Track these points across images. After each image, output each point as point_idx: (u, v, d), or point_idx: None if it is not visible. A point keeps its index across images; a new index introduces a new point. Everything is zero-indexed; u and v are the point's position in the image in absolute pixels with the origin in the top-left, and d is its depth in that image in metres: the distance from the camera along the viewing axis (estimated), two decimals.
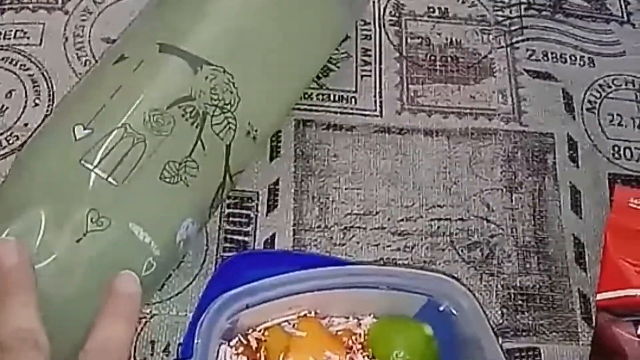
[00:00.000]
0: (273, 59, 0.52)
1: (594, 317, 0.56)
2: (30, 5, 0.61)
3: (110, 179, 0.44)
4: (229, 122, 0.49)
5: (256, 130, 0.51)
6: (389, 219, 0.58)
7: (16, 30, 0.60)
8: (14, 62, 0.59)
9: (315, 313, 0.51)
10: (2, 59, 0.59)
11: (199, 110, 0.48)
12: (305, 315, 0.51)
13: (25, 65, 0.59)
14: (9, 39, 0.60)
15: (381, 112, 0.62)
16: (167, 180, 0.46)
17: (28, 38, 0.60)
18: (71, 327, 0.42)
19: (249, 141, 0.51)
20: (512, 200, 0.60)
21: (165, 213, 0.47)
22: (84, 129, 0.45)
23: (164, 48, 0.49)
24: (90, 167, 0.44)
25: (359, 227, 0.58)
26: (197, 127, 0.47)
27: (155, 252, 0.46)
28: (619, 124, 0.64)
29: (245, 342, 0.49)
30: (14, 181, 0.47)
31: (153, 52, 0.49)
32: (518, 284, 0.58)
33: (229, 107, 0.49)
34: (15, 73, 0.59)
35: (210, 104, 0.48)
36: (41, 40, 0.60)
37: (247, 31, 0.51)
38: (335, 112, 0.61)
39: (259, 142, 0.53)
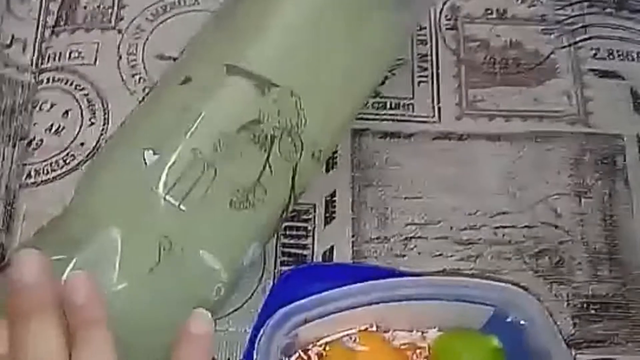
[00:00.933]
0: (337, 76, 0.51)
1: None
2: (84, 26, 0.62)
3: (181, 206, 0.44)
4: (295, 145, 0.48)
5: (320, 150, 0.50)
6: (451, 228, 0.56)
7: (70, 51, 0.61)
8: (69, 83, 0.59)
9: (377, 327, 0.49)
10: (58, 79, 0.59)
11: (267, 134, 0.46)
12: (366, 329, 0.49)
13: (80, 85, 0.59)
14: (65, 59, 0.60)
15: (440, 118, 0.60)
16: (236, 206, 0.45)
17: (82, 58, 0.60)
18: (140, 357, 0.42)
19: (313, 161, 0.50)
20: (580, 205, 0.57)
21: (234, 238, 0.46)
22: (154, 153, 0.45)
23: (230, 69, 0.47)
24: (162, 194, 0.44)
25: (420, 237, 0.56)
26: (265, 151, 0.46)
27: (224, 278, 0.45)
28: None
29: (305, 357, 0.48)
30: (81, 207, 0.46)
31: (220, 74, 0.47)
32: (590, 293, 0.55)
33: (296, 129, 0.48)
34: (70, 93, 0.59)
35: (277, 126, 0.47)
36: (95, 60, 0.60)
37: (311, 48, 0.49)
38: (392, 120, 0.60)
39: (322, 160, 0.52)
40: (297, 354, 0.48)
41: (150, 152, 0.45)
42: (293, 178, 0.48)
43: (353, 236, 0.56)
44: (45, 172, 0.56)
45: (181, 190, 0.44)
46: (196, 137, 0.45)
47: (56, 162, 0.56)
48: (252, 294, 0.53)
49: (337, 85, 0.51)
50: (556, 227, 0.57)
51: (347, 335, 0.49)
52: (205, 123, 0.45)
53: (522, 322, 0.47)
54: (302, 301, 0.46)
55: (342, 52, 0.51)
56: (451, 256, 0.55)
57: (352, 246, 0.55)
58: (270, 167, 0.46)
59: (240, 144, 0.45)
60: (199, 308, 0.40)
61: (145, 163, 0.44)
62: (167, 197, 0.43)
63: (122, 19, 0.62)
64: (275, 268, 0.54)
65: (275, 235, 0.55)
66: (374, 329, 0.49)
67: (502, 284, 0.49)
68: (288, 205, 0.49)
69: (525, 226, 0.57)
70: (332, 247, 0.55)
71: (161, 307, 0.42)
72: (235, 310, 0.53)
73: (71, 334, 0.36)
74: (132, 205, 0.44)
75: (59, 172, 0.56)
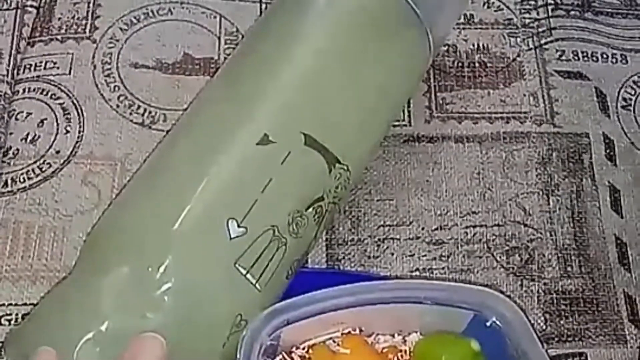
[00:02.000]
0: (375, 135, 0.53)
1: None
2: (59, 37, 0.62)
3: (257, 285, 0.43)
4: (335, 211, 0.49)
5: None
6: (423, 229, 0.57)
7: (46, 61, 0.61)
8: (44, 92, 0.60)
9: (360, 330, 0.50)
10: (34, 89, 0.60)
11: (325, 210, 0.47)
12: (349, 332, 0.50)
13: (55, 95, 0.60)
14: (40, 69, 0.61)
15: (410, 121, 0.61)
16: (288, 279, 0.47)
17: (58, 68, 0.61)
18: None
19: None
20: (549, 203, 0.59)
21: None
22: (238, 226, 0.43)
23: (309, 141, 0.46)
24: (244, 272, 0.43)
25: (392, 239, 0.57)
26: (317, 224, 0.47)
27: None
28: None
29: (289, 359, 0.49)
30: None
31: (299, 144, 0.46)
32: (560, 289, 0.56)
33: (343, 199, 0.49)
34: (46, 103, 0.60)
35: (333, 202, 0.48)
36: (70, 69, 0.61)
37: (364, 119, 0.51)
38: None
39: None
40: (280, 356, 0.49)
41: (235, 224, 0.42)
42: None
43: (327, 239, 0.57)
44: (21, 180, 0.56)
45: (259, 268, 0.43)
46: (276, 213, 0.44)
47: (32, 170, 0.57)
48: None
49: (373, 139, 0.53)
50: (525, 225, 0.58)
51: (330, 338, 0.49)
52: (283, 197, 0.45)
53: (500, 325, 0.48)
54: (285, 302, 0.46)
55: (380, 108, 0.53)
56: (424, 256, 0.57)
57: (326, 249, 0.56)
58: (317, 237, 0.47)
59: (306, 221, 0.45)
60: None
61: (230, 237, 0.42)
62: (248, 276, 0.43)
63: (96, 28, 0.63)
64: None
65: None
66: (357, 332, 0.50)
67: (482, 288, 0.49)
68: None
69: (495, 225, 0.58)
70: None
71: None
72: None
73: None
74: (216, 278, 0.43)
75: (35, 180, 0.56)
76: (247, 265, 0.42)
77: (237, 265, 0.42)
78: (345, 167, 0.48)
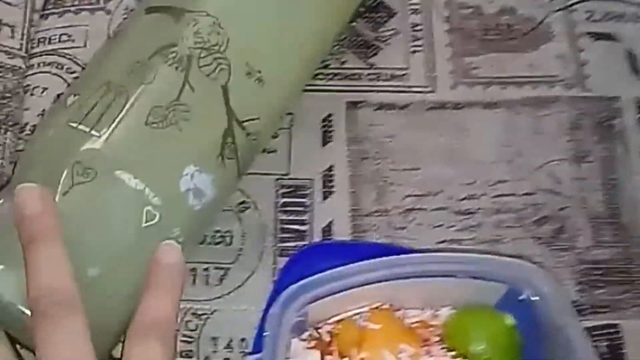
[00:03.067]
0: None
1: None
2: (73, 8, 0.61)
3: (93, 132, 0.44)
4: (219, 63, 0.47)
5: (259, 72, 0.49)
6: (450, 198, 0.56)
7: (60, 34, 0.60)
8: (60, 66, 0.59)
9: (389, 305, 0.49)
10: (49, 63, 0.59)
11: (183, 55, 0.47)
12: (378, 307, 0.49)
13: (70, 68, 0.59)
14: (54, 42, 0.60)
15: (435, 87, 0.59)
16: (154, 125, 0.45)
17: (73, 41, 0.60)
18: None
19: (253, 83, 0.49)
20: (580, 170, 0.57)
21: (158, 159, 0.46)
22: (74, 95, 0.47)
23: (148, 10, 0.50)
24: (75, 125, 0.45)
25: (419, 209, 0.55)
26: (182, 70, 0.47)
27: (155, 201, 0.44)
28: None
29: (317, 335, 0.48)
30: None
31: (139, 17, 0.50)
32: (593, 258, 0.54)
33: (217, 47, 0.48)
34: (61, 77, 0.58)
35: (194, 47, 0.47)
36: (85, 42, 0.60)
37: None
38: (387, 91, 0.59)
39: (270, 88, 0.50)
40: (308, 332, 0.48)
41: (71, 96, 0.47)
42: (226, 99, 0.48)
43: (352, 210, 0.55)
44: None
45: (93, 117, 0.45)
46: (110, 71, 0.47)
47: None
48: (253, 272, 0.53)
49: (269, 4, 0.51)
50: (556, 193, 0.56)
51: (359, 313, 0.49)
52: (119, 58, 0.48)
53: (535, 299, 0.46)
54: (312, 278, 0.46)
55: None
56: (451, 226, 0.55)
57: (352, 220, 0.55)
58: (190, 85, 0.46)
59: (154, 68, 0.46)
60: (167, 241, 0.42)
61: (66, 105, 0.47)
62: (80, 127, 0.45)
63: None
64: (275, 245, 0.54)
65: (274, 213, 0.55)
66: (386, 306, 0.49)
67: (516, 260, 0.48)
68: (231, 131, 0.48)
69: (525, 194, 0.56)
70: (330, 222, 0.55)
71: (83, 229, 0.43)
72: (237, 288, 0.52)
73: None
74: (52, 143, 0.46)
75: None
76: (78, 119, 0.45)
77: (69, 122, 0.45)
78: (204, 13, 0.48)
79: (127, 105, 0.45)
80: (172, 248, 0.41)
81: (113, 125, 0.45)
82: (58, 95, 0.58)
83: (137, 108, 0.45)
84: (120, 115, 0.45)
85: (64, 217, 0.41)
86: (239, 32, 0.49)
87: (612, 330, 0.52)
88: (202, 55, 0.47)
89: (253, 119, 0.49)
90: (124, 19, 0.61)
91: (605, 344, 0.52)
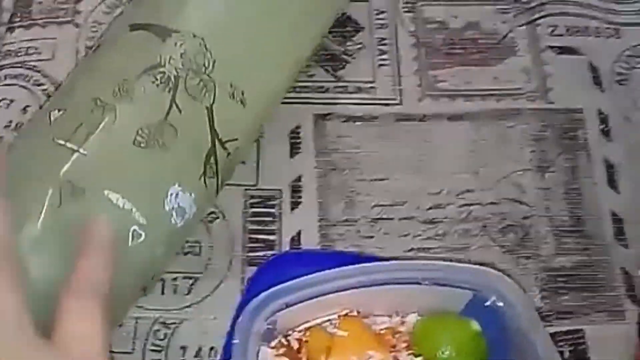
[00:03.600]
0: (250, 21, 0.51)
1: (638, 294, 0.54)
2: (40, 21, 0.61)
3: (81, 150, 0.44)
4: (205, 84, 0.48)
5: (242, 93, 0.50)
6: (417, 208, 0.57)
7: (28, 47, 0.60)
8: (27, 79, 0.59)
9: (358, 312, 0.49)
10: (16, 76, 0.59)
11: (170, 75, 0.47)
12: (346, 314, 0.49)
13: (38, 81, 0.59)
14: (21, 55, 0.60)
15: (401, 100, 0.60)
16: (142, 145, 0.45)
17: (40, 53, 0.60)
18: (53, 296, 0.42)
19: (236, 105, 0.50)
20: (544, 180, 0.58)
21: (145, 179, 0.46)
22: (58, 111, 0.46)
23: (133, 27, 0.49)
24: (62, 142, 0.44)
25: (386, 219, 0.56)
26: (169, 91, 0.47)
27: (140, 220, 0.45)
28: None
29: (286, 343, 0.48)
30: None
31: (124, 33, 0.50)
32: (557, 266, 0.55)
33: (203, 69, 0.48)
34: (29, 89, 0.58)
35: (181, 68, 0.48)
36: (53, 55, 0.60)
37: None
38: (355, 104, 0.60)
39: (251, 108, 0.51)
40: (277, 340, 0.48)
41: (56, 111, 0.46)
42: (210, 120, 0.48)
43: (320, 220, 0.56)
44: None
45: (81, 135, 0.45)
46: (97, 88, 0.47)
47: None
48: (222, 282, 0.53)
49: (251, 28, 0.51)
50: (521, 202, 0.57)
51: (328, 320, 0.49)
52: (105, 75, 0.47)
53: (500, 305, 0.47)
54: (281, 286, 0.46)
55: None
56: (418, 235, 0.56)
57: (320, 230, 0.55)
58: (177, 106, 0.47)
59: (141, 87, 0.46)
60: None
61: (50, 121, 0.46)
62: (68, 145, 0.44)
63: (78, 12, 0.61)
64: (243, 254, 0.54)
65: (242, 222, 0.55)
66: (355, 314, 0.49)
67: (481, 268, 0.49)
68: (214, 150, 0.49)
69: (490, 203, 0.57)
70: (299, 232, 0.55)
71: (71, 247, 0.42)
72: (205, 297, 0.52)
73: None
74: (38, 160, 0.45)
75: None
76: (65, 136, 0.45)
77: (55, 139, 0.45)
78: (191, 35, 0.48)
79: (115, 125, 0.45)
80: (100, 220, 0.42)
81: (101, 145, 0.45)
82: (25, 108, 0.58)
83: (125, 127, 0.45)
84: (109, 135, 0.45)
85: (52, 235, 0.41)
86: (224, 54, 0.49)
87: (576, 336, 0.53)
88: (188, 76, 0.48)
89: (234, 139, 0.50)
90: (93, 31, 0.61)
91: (570, 349, 0.53)
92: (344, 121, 0.59)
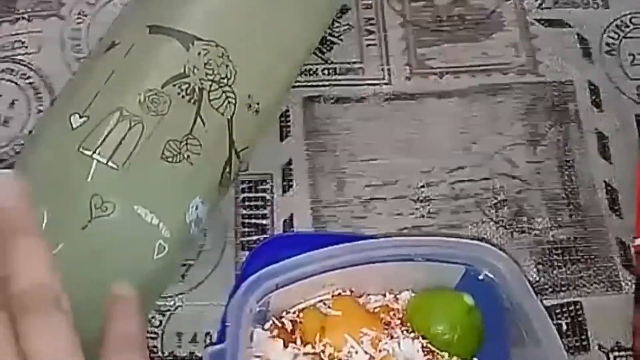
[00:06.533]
0: (266, 29, 0.51)
1: (634, 264, 0.54)
2: (26, 15, 0.61)
3: (110, 163, 0.44)
4: (227, 96, 0.48)
5: (258, 103, 0.50)
6: (409, 187, 0.56)
7: (14, 41, 0.60)
8: (14, 73, 0.59)
9: (351, 292, 0.49)
10: (2, 70, 0.59)
11: (195, 87, 0.47)
12: (339, 294, 0.49)
13: (25, 74, 0.59)
14: (7, 50, 0.59)
15: (390, 79, 0.60)
16: (170, 159, 0.45)
17: (26, 47, 0.60)
18: (83, 316, 0.41)
19: (251, 115, 0.50)
20: (536, 154, 0.58)
21: (172, 193, 0.46)
22: (80, 117, 0.45)
23: (153, 30, 0.48)
24: (89, 153, 0.44)
25: (379, 198, 0.56)
26: (194, 103, 0.47)
27: (165, 234, 0.45)
28: None
29: (279, 324, 0.48)
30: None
31: (143, 35, 0.48)
32: (551, 239, 0.55)
33: (225, 80, 0.48)
34: (16, 83, 0.58)
35: (205, 79, 0.47)
36: (39, 48, 0.60)
37: (236, 3, 0.50)
38: (343, 85, 0.60)
39: (262, 116, 0.51)
40: (270, 322, 0.48)
41: (77, 115, 0.45)
42: (230, 131, 0.48)
43: (312, 202, 0.56)
44: None
45: (109, 147, 0.44)
46: (121, 96, 0.46)
47: (6, 152, 0.56)
48: (216, 267, 0.53)
49: (268, 38, 0.51)
50: (513, 177, 0.57)
51: (322, 301, 0.49)
52: (129, 81, 0.46)
53: (494, 279, 0.47)
54: (271, 267, 0.45)
55: (269, 5, 0.51)
56: (411, 214, 0.56)
57: (312, 212, 0.55)
58: (202, 119, 0.47)
59: (167, 99, 0.46)
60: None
61: (72, 127, 0.45)
62: (95, 156, 0.44)
63: (63, 5, 0.61)
64: (237, 240, 0.54)
65: (234, 207, 0.55)
66: (348, 293, 0.49)
67: (472, 242, 0.48)
68: (230, 160, 0.49)
69: (483, 179, 0.57)
70: (291, 215, 0.55)
71: (100, 264, 0.42)
72: (199, 284, 0.52)
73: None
74: (61, 169, 0.44)
75: (10, 161, 0.55)
76: (92, 147, 0.44)
77: (81, 149, 0.44)
78: (214, 44, 0.48)
79: (143, 138, 0.45)
80: (123, 286, 0.40)
81: (130, 158, 0.44)
82: (12, 102, 0.58)
83: (153, 141, 0.45)
84: (137, 148, 0.44)
85: (83, 249, 0.42)
86: (245, 64, 0.49)
87: (573, 308, 0.53)
88: (212, 88, 0.47)
89: (246, 148, 0.51)
90: (78, 23, 0.61)
91: (568, 321, 0.53)
92: (333, 103, 0.59)
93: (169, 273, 0.49)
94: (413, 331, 0.47)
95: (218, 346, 0.43)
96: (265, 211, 0.55)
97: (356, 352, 0.45)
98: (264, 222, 0.55)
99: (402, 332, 0.47)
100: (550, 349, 0.44)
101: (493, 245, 0.49)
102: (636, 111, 0.59)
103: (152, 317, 0.51)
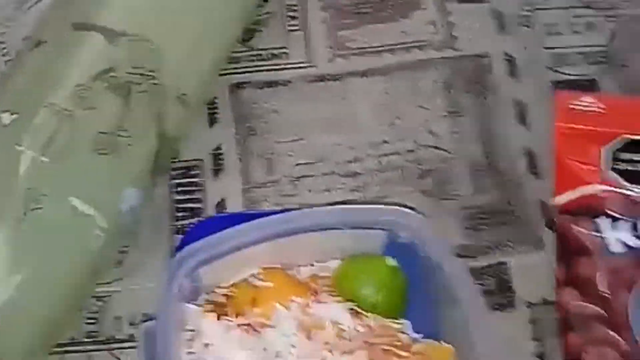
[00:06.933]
0: (189, 19, 0.53)
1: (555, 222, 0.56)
2: None
3: (43, 157, 0.45)
4: (155, 88, 0.49)
5: (184, 94, 0.51)
6: (337, 163, 0.58)
7: None
8: None
9: (282, 265, 0.51)
10: None
11: (122, 80, 0.48)
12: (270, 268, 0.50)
13: None
14: None
15: (314, 62, 0.62)
16: (101, 151, 0.47)
17: None
18: (23, 310, 0.43)
19: (179, 104, 0.51)
20: (457, 124, 0.60)
21: (105, 184, 0.48)
22: (11, 114, 0.46)
23: (77, 26, 0.50)
24: (22, 148, 0.45)
25: (308, 176, 0.58)
26: (123, 97, 0.48)
27: (101, 224, 0.46)
28: (556, 33, 0.64)
29: (212, 299, 0.49)
30: None
31: (68, 32, 0.49)
32: (475, 204, 0.57)
33: (152, 73, 0.49)
34: None
35: (132, 72, 0.49)
36: None
37: None
38: (269, 70, 0.61)
39: (190, 105, 0.53)
40: (202, 297, 0.49)
41: (7, 113, 0.46)
42: (159, 121, 0.50)
43: (243, 184, 0.57)
44: None
45: (40, 142, 0.45)
46: (51, 93, 0.47)
47: None
48: (152, 251, 0.54)
49: (193, 29, 0.52)
50: (437, 148, 0.59)
51: (252, 275, 0.50)
52: (57, 77, 0.48)
53: (412, 240, 0.49)
54: (198, 242, 0.47)
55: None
56: (340, 189, 0.57)
57: (244, 194, 0.57)
58: (131, 111, 0.48)
59: (96, 93, 0.47)
60: None
61: (3, 124, 0.46)
62: (28, 151, 0.45)
63: None
64: (171, 224, 0.55)
65: (168, 193, 0.56)
66: (278, 266, 0.51)
67: (391, 207, 0.50)
68: (161, 150, 0.50)
69: (408, 151, 0.59)
70: (223, 198, 0.57)
71: (39, 255, 0.43)
72: (137, 267, 0.54)
73: None
74: None
75: None
76: (24, 142, 0.45)
77: (15, 145, 0.45)
78: (138, 38, 0.49)
79: (74, 131, 0.46)
80: None
81: (62, 151, 0.46)
82: None
83: (84, 134, 0.47)
84: (69, 141, 0.46)
85: (20, 242, 0.43)
86: (171, 56, 0.51)
87: (500, 268, 0.55)
88: (139, 81, 0.49)
89: (176, 136, 0.52)
90: (6, 27, 0.62)
91: (494, 280, 0.55)
92: (260, 88, 0.61)
93: (106, 261, 0.50)
94: (341, 296, 0.49)
95: (150, 322, 0.45)
96: (198, 195, 0.57)
97: (285, 318, 0.46)
98: (198, 205, 0.56)
99: (328, 296, 0.48)
100: (470, 306, 0.46)
101: (412, 209, 0.51)
102: (552, 78, 0.62)
103: (91, 304, 0.52)
